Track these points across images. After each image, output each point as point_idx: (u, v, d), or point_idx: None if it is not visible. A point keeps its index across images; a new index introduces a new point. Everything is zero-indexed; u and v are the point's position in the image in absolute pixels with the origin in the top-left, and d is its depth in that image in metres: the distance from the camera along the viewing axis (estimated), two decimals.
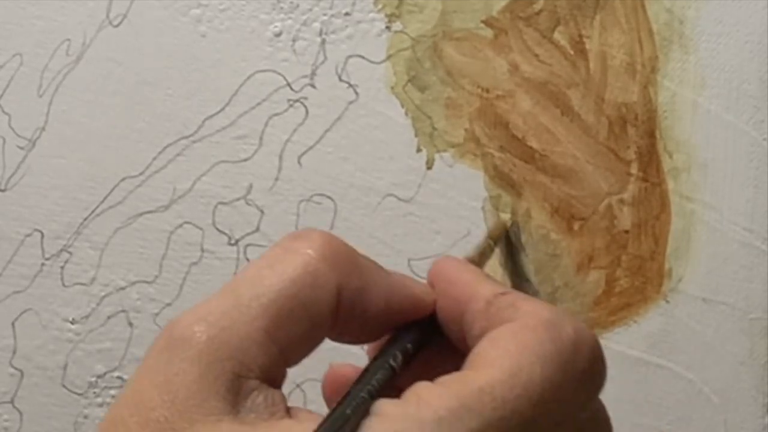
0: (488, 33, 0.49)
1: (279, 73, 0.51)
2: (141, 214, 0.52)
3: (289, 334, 0.28)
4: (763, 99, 0.47)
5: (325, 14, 0.50)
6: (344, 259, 0.30)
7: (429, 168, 0.50)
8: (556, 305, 0.48)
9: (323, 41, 0.50)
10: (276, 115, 0.51)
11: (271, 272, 0.29)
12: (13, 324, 0.53)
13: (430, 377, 0.28)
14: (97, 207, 0.52)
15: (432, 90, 0.49)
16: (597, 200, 0.48)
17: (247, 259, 0.51)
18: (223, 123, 0.51)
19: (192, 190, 0.51)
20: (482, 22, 0.49)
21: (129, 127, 0.52)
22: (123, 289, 0.52)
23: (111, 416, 0.27)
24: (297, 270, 0.29)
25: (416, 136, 0.50)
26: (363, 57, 0.50)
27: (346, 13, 0.50)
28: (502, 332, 0.29)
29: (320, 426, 0.26)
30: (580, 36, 0.48)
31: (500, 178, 0.49)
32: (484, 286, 0.31)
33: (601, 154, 0.48)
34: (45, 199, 0.52)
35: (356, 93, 0.50)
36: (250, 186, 0.51)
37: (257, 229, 0.51)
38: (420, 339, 0.31)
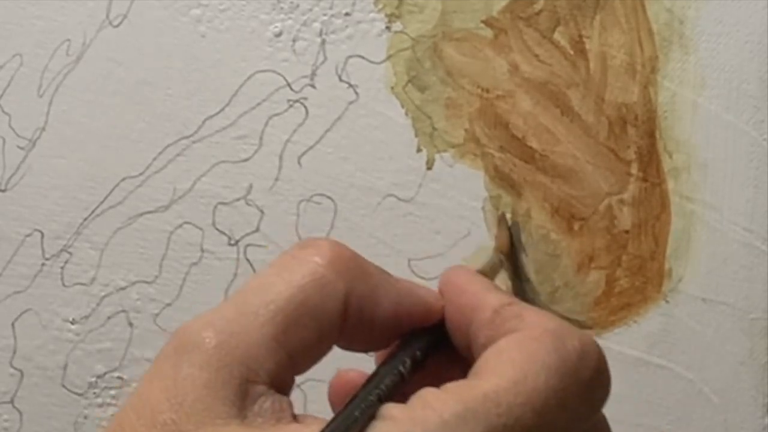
0: (488, 33, 0.49)
1: (279, 73, 0.51)
2: (141, 214, 0.52)
3: (298, 340, 0.29)
4: (763, 99, 0.47)
5: (325, 14, 0.50)
6: (352, 266, 0.30)
7: (429, 168, 0.50)
8: (556, 305, 0.49)
9: (323, 41, 0.50)
10: (276, 115, 0.51)
11: (279, 280, 0.29)
12: (13, 324, 0.53)
13: (437, 385, 0.28)
14: (97, 207, 0.52)
15: (432, 90, 0.49)
16: (597, 200, 0.48)
17: (247, 259, 0.51)
18: (223, 123, 0.51)
19: (192, 190, 0.51)
20: (482, 22, 0.49)
21: (129, 127, 0.52)
22: (123, 289, 0.52)
23: (118, 419, 0.27)
24: (305, 277, 0.29)
25: (416, 136, 0.50)
26: (363, 57, 0.50)
27: (346, 13, 0.50)
28: (508, 342, 0.29)
29: (327, 426, 0.26)
30: (580, 36, 0.48)
31: (500, 178, 0.49)
32: (491, 296, 0.31)
33: (601, 154, 0.48)
34: (45, 199, 0.52)
35: (356, 93, 0.50)
36: (250, 186, 0.51)
37: (257, 230, 0.51)
38: (429, 346, 0.32)
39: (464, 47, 0.49)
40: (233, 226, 0.51)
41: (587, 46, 0.48)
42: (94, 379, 0.53)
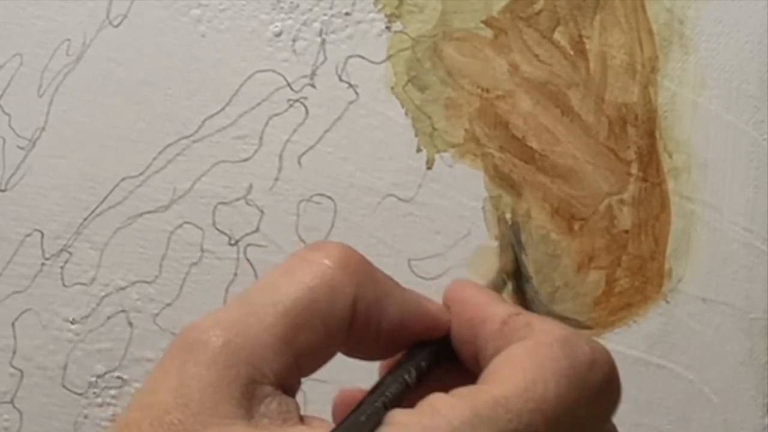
0: (488, 33, 0.49)
1: (279, 73, 0.51)
2: (141, 214, 0.52)
3: (305, 342, 0.28)
4: (763, 99, 0.47)
5: (325, 14, 0.50)
6: (361, 271, 0.30)
7: (429, 168, 0.50)
8: (556, 305, 0.49)
9: (323, 41, 0.50)
10: (276, 115, 0.51)
11: (287, 281, 0.29)
12: (13, 324, 0.53)
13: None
14: (97, 207, 0.52)
15: (432, 90, 0.49)
16: (597, 200, 0.48)
17: (247, 259, 0.51)
18: (223, 123, 0.51)
19: (192, 190, 0.51)
20: (482, 22, 0.49)
21: (129, 127, 0.52)
22: (123, 289, 0.52)
23: (125, 418, 0.27)
24: (314, 279, 0.29)
25: (416, 136, 0.50)
26: (363, 57, 0.50)
27: (346, 13, 0.50)
28: (517, 349, 0.29)
29: (333, 431, 0.26)
30: (580, 36, 0.48)
31: (500, 178, 0.49)
32: (498, 308, 0.31)
33: (601, 154, 0.48)
34: (45, 199, 0.52)
35: (356, 93, 0.50)
36: (250, 186, 0.51)
37: (257, 229, 0.51)
38: (434, 358, 0.32)
39: (464, 47, 0.49)
40: (233, 226, 0.51)
41: (587, 46, 0.48)
42: (94, 379, 0.53)
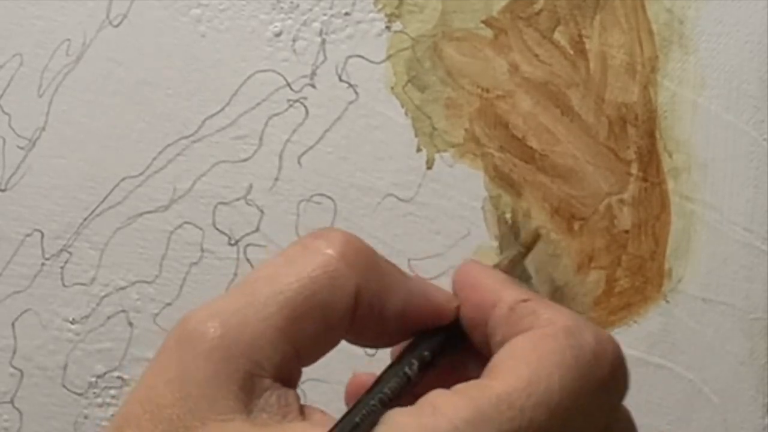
0: (488, 33, 0.49)
1: (279, 73, 0.51)
2: (141, 214, 0.52)
3: (305, 333, 0.28)
4: (763, 99, 0.47)
5: (325, 14, 0.50)
6: (364, 260, 0.29)
7: (429, 168, 0.50)
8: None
9: (323, 41, 0.50)
10: (276, 115, 0.51)
11: (288, 270, 0.28)
12: (13, 324, 0.53)
13: (453, 382, 0.28)
14: (97, 207, 0.52)
15: (432, 90, 0.49)
16: (597, 200, 0.48)
17: (247, 259, 0.51)
18: (223, 123, 0.51)
19: (192, 190, 0.51)
20: (482, 22, 0.49)
21: (129, 127, 0.52)
22: (123, 289, 0.52)
23: (124, 412, 0.27)
24: (316, 269, 0.28)
25: (416, 136, 0.50)
26: (363, 57, 0.50)
27: (346, 13, 0.50)
28: (521, 341, 0.28)
29: None
30: (580, 36, 0.48)
31: (500, 178, 0.49)
32: (507, 292, 0.31)
33: (601, 154, 0.48)
34: (45, 199, 0.52)
35: (356, 93, 0.50)
36: (250, 186, 0.51)
37: (257, 229, 0.51)
38: (441, 346, 0.31)
39: (464, 47, 0.49)
40: (233, 226, 0.51)
41: (587, 46, 0.48)
42: (94, 379, 0.53)
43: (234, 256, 0.51)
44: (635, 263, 0.48)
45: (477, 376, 0.28)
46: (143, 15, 0.51)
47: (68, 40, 0.52)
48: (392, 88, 0.50)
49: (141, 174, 0.52)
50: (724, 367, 0.48)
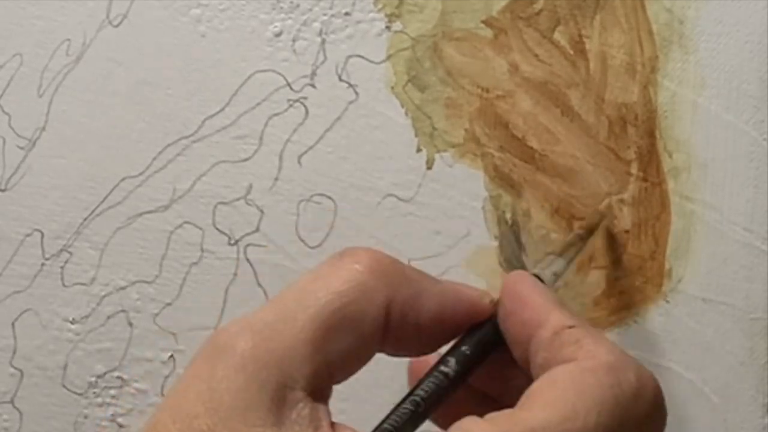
0: (488, 33, 0.49)
1: (279, 73, 0.51)
2: (141, 214, 0.52)
3: (336, 347, 0.28)
4: (763, 99, 0.47)
5: (325, 14, 0.50)
6: (392, 272, 0.30)
7: (429, 168, 0.50)
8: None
9: (323, 41, 0.50)
10: (276, 115, 0.51)
11: (318, 286, 0.29)
12: (13, 324, 0.53)
13: (494, 389, 0.27)
14: (97, 207, 0.52)
15: (432, 90, 0.49)
16: (597, 200, 0.48)
17: (247, 259, 0.51)
18: (223, 123, 0.51)
19: (192, 190, 0.51)
20: (482, 22, 0.49)
21: (129, 127, 0.52)
22: (123, 289, 0.52)
23: (153, 421, 0.27)
24: (344, 284, 0.29)
25: (416, 136, 0.50)
26: (363, 57, 0.50)
27: (346, 13, 0.50)
28: (561, 373, 0.28)
29: None
30: (580, 36, 0.48)
31: (500, 178, 0.49)
32: (555, 315, 0.30)
33: (601, 154, 0.48)
34: (45, 199, 0.52)
35: (356, 93, 0.50)
36: (250, 186, 0.51)
37: (257, 229, 0.51)
38: (478, 343, 0.31)
39: (464, 47, 0.49)
40: (233, 226, 0.51)
41: (587, 46, 0.48)
42: (94, 379, 0.53)
43: (234, 256, 0.51)
44: (635, 263, 0.48)
45: (517, 381, 0.28)
46: (143, 15, 0.51)
47: (68, 40, 0.52)
48: (392, 88, 0.50)
49: (141, 174, 0.52)
50: (724, 367, 0.48)
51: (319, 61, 0.50)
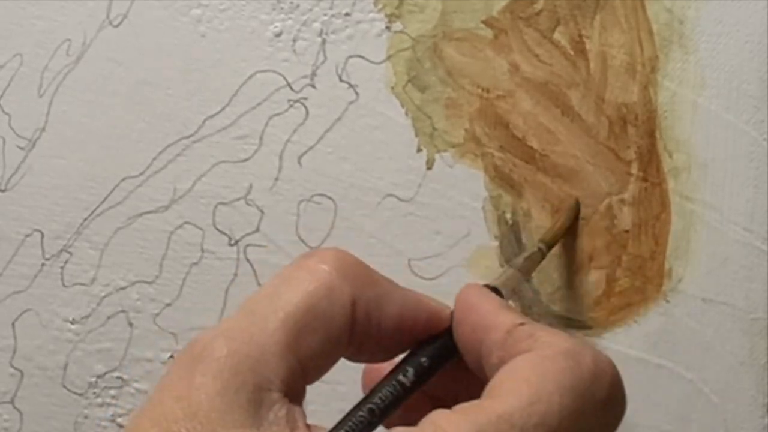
0: (488, 33, 0.49)
1: (279, 73, 0.51)
2: (141, 214, 0.52)
3: (308, 346, 0.29)
4: (763, 99, 0.47)
5: (325, 14, 0.50)
6: (358, 273, 0.30)
7: (429, 168, 0.50)
8: (556, 305, 0.49)
9: (323, 41, 0.50)
10: (276, 115, 0.51)
11: (286, 288, 0.29)
12: (13, 324, 0.53)
13: (446, 392, 0.28)
14: (97, 207, 0.52)
15: (432, 90, 0.49)
16: (597, 200, 0.48)
17: (247, 259, 0.51)
18: (224, 123, 0.51)
19: (192, 190, 0.51)
20: (482, 22, 0.49)
21: (129, 127, 0.52)
22: (123, 289, 0.52)
23: (131, 428, 0.27)
24: (312, 284, 0.29)
25: (416, 136, 0.50)
26: (363, 57, 0.50)
27: (347, 14, 0.50)
28: (521, 362, 0.29)
29: None
30: (580, 36, 0.48)
31: (500, 178, 0.49)
32: (503, 316, 0.31)
33: (601, 154, 0.48)
34: (45, 199, 0.52)
35: (356, 93, 0.50)
36: (250, 186, 0.51)
37: (257, 230, 0.51)
38: (436, 354, 0.31)
39: (464, 47, 0.49)
40: (233, 226, 0.51)
41: (587, 46, 0.48)
42: (94, 379, 0.53)
43: (234, 256, 0.51)
44: (635, 263, 0.48)
45: (469, 388, 0.28)
46: (143, 15, 0.51)
47: (68, 40, 0.52)
48: (392, 88, 0.50)
49: (141, 174, 0.52)
50: (724, 367, 0.48)
51: (320, 61, 0.50)
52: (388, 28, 0.50)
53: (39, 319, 0.53)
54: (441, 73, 0.49)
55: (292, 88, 0.50)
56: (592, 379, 0.28)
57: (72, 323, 0.53)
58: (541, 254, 0.44)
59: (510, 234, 0.49)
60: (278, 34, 0.50)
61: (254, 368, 0.27)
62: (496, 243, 0.49)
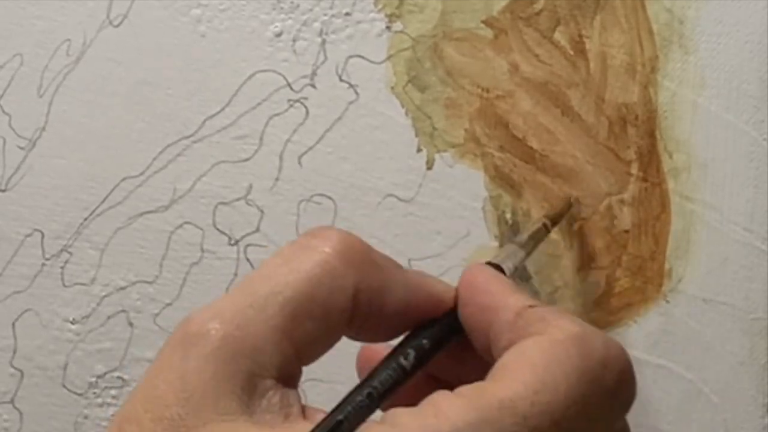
0: (488, 33, 0.49)
1: (279, 73, 0.51)
2: (141, 214, 0.52)
3: (305, 332, 0.28)
4: (763, 99, 0.47)
5: (325, 14, 0.50)
6: (361, 258, 0.29)
7: (429, 168, 0.50)
8: (556, 305, 0.48)
9: (323, 41, 0.50)
10: (276, 115, 0.51)
11: (287, 270, 0.28)
12: (13, 324, 0.53)
13: (453, 374, 0.27)
14: (97, 207, 0.52)
15: (432, 90, 0.49)
16: (597, 200, 0.48)
17: (247, 259, 0.51)
18: (224, 123, 0.51)
19: (192, 190, 0.51)
20: (482, 22, 0.49)
21: (129, 127, 0.52)
22: (123, 289, 0.52)
23: (125, 410, 0.27)
24: (314, 268, 0.28)
25: (416, 136, 0.50)
26: (363, 57, 0.50)
27: (347, 13, 0.50)
28: (529, 345, 0.28)
29: (315, 428, 0.26)
30: (580, 36, 0.48)
31: (500, 178, 0.49)
32: (513, 297, 0.30)
33: (601, 154, 0.48)
34: (45, 199, 0.52)
35: (356, 93, 0.50)
36: (250, 186, 0.51)
37: (257, 229, 0.51)
38: (439, 337, 0.31)
39: (464, 47, 0.49)
40: (233, 226, 0.51)
41: (587, 46, 0.48)
42: (94, 379, 0.53)
43: (234, 256, 0.51)
44: (635, 263, 0.48)
45: (473, 368, 0.28)
46: (143, 15, 0.51)
47: (68, 40, 0.52)
48: (392, 88, 0.50)
49: (141, 174, 0.52)
50: (724, 367, 0.48)
51: (320, 61, 0.50)
52: (388, 28, 0.50)
53: (39, 319, 0.53)
54: (441, 73, 0.49)
55: (292, 88, 0.50)
56: (601, 366, 0.28)
57: (72, 323, 0.53)
58: (546, 230, 0.43)
59: (510, 234, 0.49)
60: (278, 34, 0.50)
61: (249, 354, 0.27)
62: (496, 243, 0.49)
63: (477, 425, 0.25)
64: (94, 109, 0.52)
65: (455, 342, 0.31)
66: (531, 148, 0.49)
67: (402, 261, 0.50)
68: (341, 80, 0.50)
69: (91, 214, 0.52)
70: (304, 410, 0.27)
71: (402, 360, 0.29)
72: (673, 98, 0.47)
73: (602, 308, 0.49)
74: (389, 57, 0.50)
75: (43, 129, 0.52)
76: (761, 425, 0.48)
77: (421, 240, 0.50)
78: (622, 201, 0.48)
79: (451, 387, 0.27)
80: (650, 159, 0.48)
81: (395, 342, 0.31)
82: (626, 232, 0.48)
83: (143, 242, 0.52)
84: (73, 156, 0.52)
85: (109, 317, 0.52)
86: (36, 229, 0.53)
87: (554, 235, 0.49)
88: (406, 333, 0.31)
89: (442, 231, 0.50)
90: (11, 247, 0.53)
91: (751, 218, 0.47)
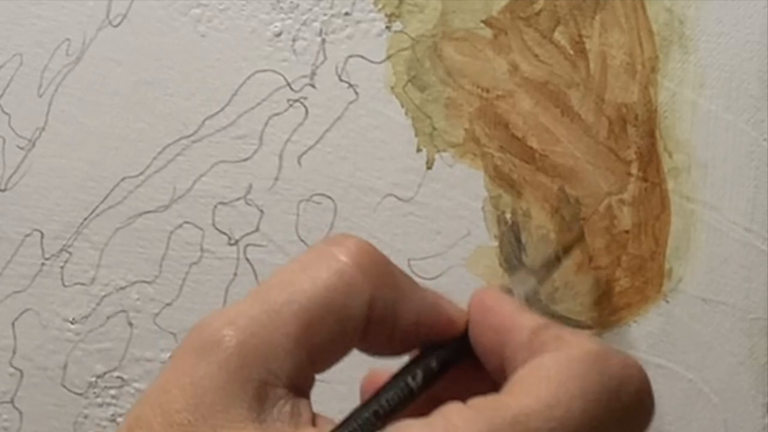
0: (488, 33, 0.49)
1: (279, 73, 0.51)
2: (141, 214, 0.52)
3: (319, 342, 0.28)
4: (763, 99, 0.47)
5: (325, 14, 0.50)
6: (379, 270, 0.29)
7: (429, 168, 0.50)
8: (556, 305, 0.48)
9: (323, 41, 0.50)
10: (276, 115, 0.51)
11: (304, 277, 0.28)
12: (13, 324, 0.53)
13: (461, 393, 0.27)
14: (97, 207, 0.52)
15: (432, 90, 0.49)
16: (597, 200, 0.48)
17: (247, 259, 0.51)
18: (223, 123, 0.51)
19: (192, 190, 0.51)
20: (482, 22, 0.49)
21: (129, 127, 0.52)
22: (123, 289, 0.52)
23: (135, 414, 0.27)
24: (331, 277, 0.28)
25: (416, 136, 0.50)
26: (363, 57, 0.50)
27: (346, 13, 0.50)
28: (546, 360, 0.27)
29: None
30: (580, 36, 0.48)
31: (500, 178, 0.49)
32: (526, 318, 0.30)
33: (601, 154, 0.48)
34: (45, 199, 0.52)
35: (356, 93, 0.50)
36: (250, 186, 0.51)
37: (257, 229, 0.51)
38: (447, 359, 0.31)
39: (464, 47, 0.49)
40: (233, 226, 0.51)
41: (587, 46, 0.48)
42: (94, 379, 0.53)
43: (234, 256, 0.51)
44: (635, 263, 0.48)
45: (482, 390, 0.28)
46: (143, 15, 0.51)
47: (68, 40, 0.52)
48: (392, 88, 0.50)
49: (141, 174, 0.52)
50: (724, 367, 0.48)
51: (319, 61, 0.50)
52: (388, 27, 0.50)
53: (39, 318, 0.53)
54: (441, 72, 0.49)
55: (291, 88, 0.50)
56: (618, 384, 0.27)
57: (72, 323, 0.53)
58: (558, 260, 0.44)
59: (510, 234, 0.49)
60: (278, 34, 0.50)
61: (262, 363, 0.27)
62: (495, 243, 0.49)
63: None
64: (94, 109, 0.52)
65: (465, 367, 0.31)
66: (531, 148, 0.49)
67: (402, 261, 0.50)
68: (341, 80, 0.50)
69: (90, 214, 0.52)
70: (314, 419, 0.27)
71: (410, 380, 0.29)
72: (673, 98, 0.47)
73: (602, 308, 0.49)
74: (389, 57, 0.50)
75: (43, 129, 0.52)
76: (761, 425, 0.48)
77: (421, 240, 0.50)
78: (622, 201, 0.48)
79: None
80: (650, 159, 0.48)
81: (397, 363, 0.31)
82: (626, 232, 0.48)
83: (143, 242, 0.52)
84: (72, 156, 0.52)
85: (108, 317, 0.52)
86: (36, 229, 0.53)
87: (554, 235, 0.49)
88: (413, 351, 0.31)
89: (441, 231, 0.50)
90: (11, 246, 0.53)
91: (751, 218, 0.47)
